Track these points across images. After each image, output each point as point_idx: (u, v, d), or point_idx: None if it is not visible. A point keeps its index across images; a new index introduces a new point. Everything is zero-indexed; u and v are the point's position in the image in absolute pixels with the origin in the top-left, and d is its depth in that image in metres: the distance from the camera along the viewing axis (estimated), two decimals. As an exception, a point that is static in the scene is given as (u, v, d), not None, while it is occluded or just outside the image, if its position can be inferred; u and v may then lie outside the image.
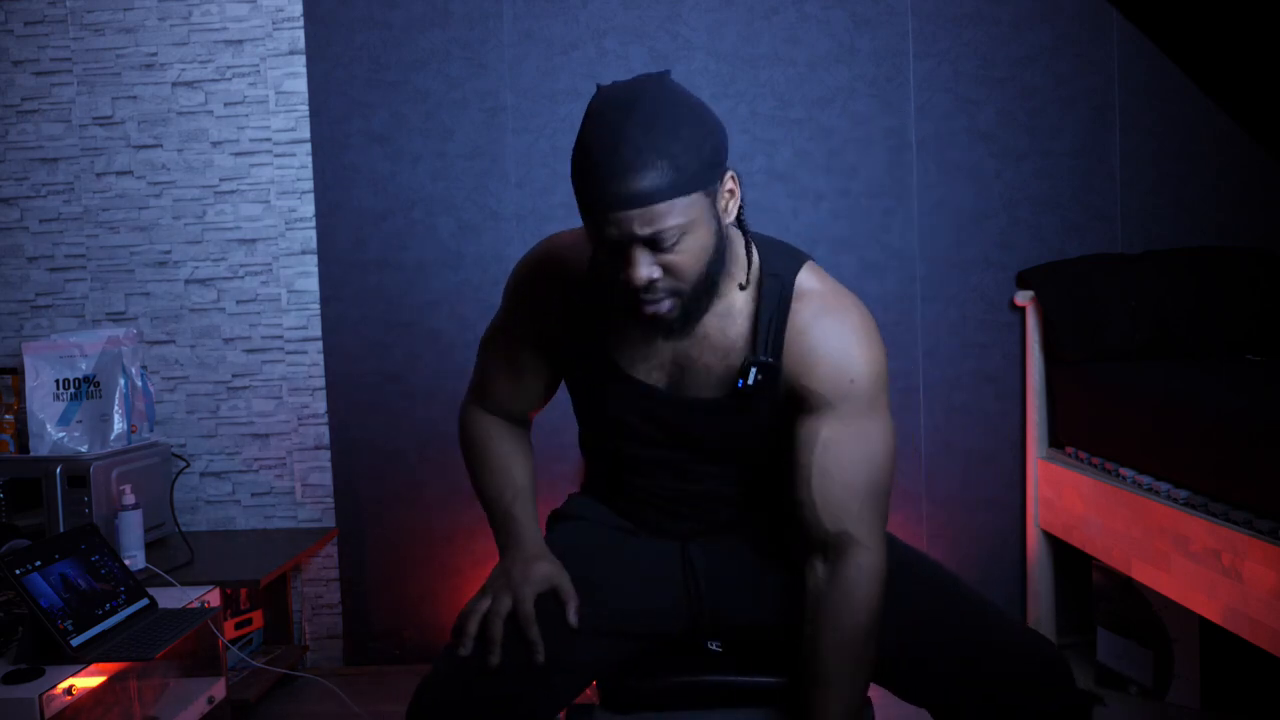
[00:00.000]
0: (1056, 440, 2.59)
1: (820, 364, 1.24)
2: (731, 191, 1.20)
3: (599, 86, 1.18)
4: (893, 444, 1.28)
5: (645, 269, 1.14)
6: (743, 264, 1.26)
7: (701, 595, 1.39)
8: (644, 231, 1.11)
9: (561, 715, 1.32)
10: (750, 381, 1.25)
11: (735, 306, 1.27)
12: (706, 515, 1.41)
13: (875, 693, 1.36)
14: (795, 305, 1.26)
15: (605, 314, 1.29)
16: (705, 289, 1.19)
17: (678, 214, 1.12)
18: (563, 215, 2.64)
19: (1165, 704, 2.28)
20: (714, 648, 1.35)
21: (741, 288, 1.26)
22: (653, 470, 1.38)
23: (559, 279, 1.33)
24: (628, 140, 1.10)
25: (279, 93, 2.69)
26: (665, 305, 1.17)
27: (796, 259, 1.29)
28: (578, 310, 1.32)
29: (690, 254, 1.15)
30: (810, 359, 1.25)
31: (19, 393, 2.58)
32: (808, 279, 1.27)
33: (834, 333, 1.25)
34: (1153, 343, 2.48)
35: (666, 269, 1.15)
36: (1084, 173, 2.65)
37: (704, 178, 1.13)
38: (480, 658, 1.24)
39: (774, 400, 1.28)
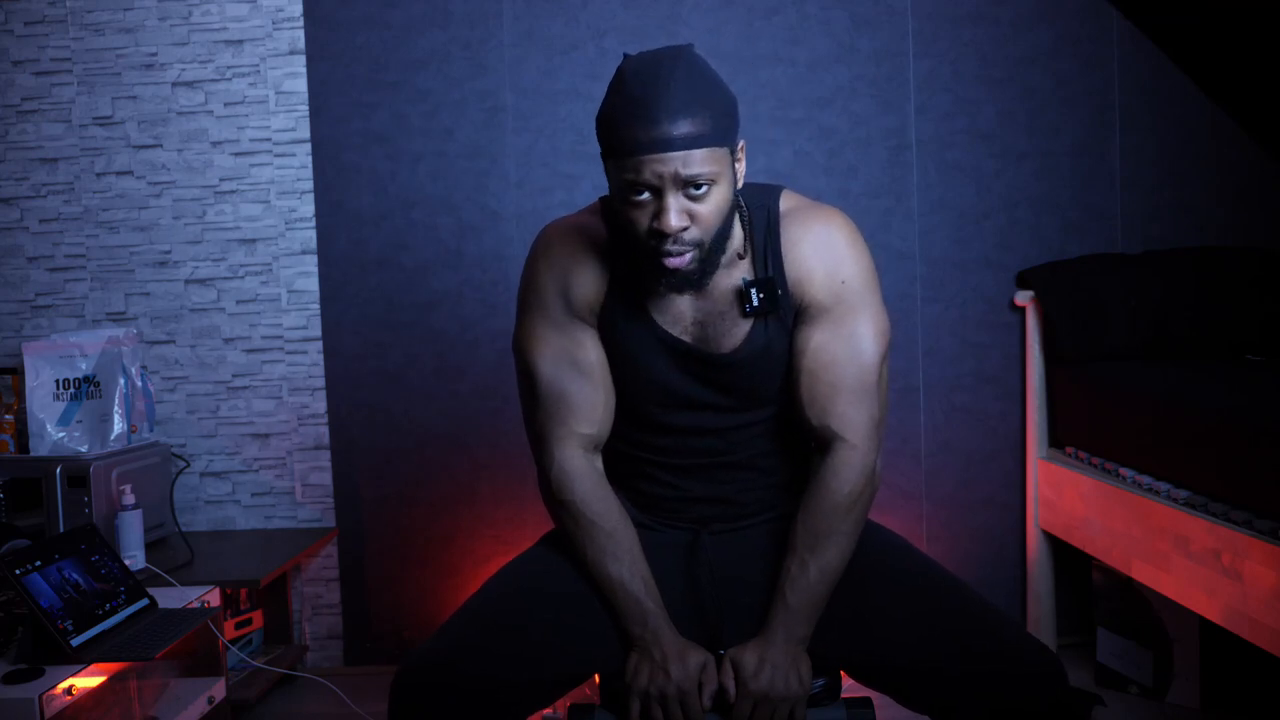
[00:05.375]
0: (1056, 440, 2.59)
1: (816, 270, 1.34)
2: (740, 159, 1.28)
3: (626, 55, 1.26)
4: (883, 341, 1.36)
5: (676, 216, 1.21)
6: (740, 232, 1.35)
7: (709, 594, 1.39)
8: (686, 172, 1.19)
9: (563, 715, 1.33)
10: (755, 304, 1.32)
11: (736, 261, 1.35)
12: (736, 488, 1.42)
13: (876, 694, 1.36)
14: (783, 225, 1.36)
15: (639, 274, 1.34)
16: (718, 244, 1.27)
17: (712, 162, 1.20)
18: (563, 215, 2.64)
19: (1165, 704, 2.28)
20: (723, 653, 1.35)
21: (740, 257, 1.35)
22: (687, 436, 1.40)
23: (581, 242, 1.39)
24: (673, 89, 1.19)
25: (279, 93, 2.69)
26: (687, 257, 1.24)
27: (773, 189, 1.39)
28: (615, 268, 1.36)
29: (714, 205, 1.23)
30: (807, 267, 1.34)
31: (19, 393, 2.58)
32: (788, 200, 1.38)
33: (822, 238, 1.35)
34: (1153, 343, 2.48)
35: (693, 218, 1.22)
36: (1084, 173, 2.65)
37: (730, 135, 1.23)
38: (471, 640, 1.26)
39: (787, 325, 1.35)
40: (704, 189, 1.21)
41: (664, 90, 1.18)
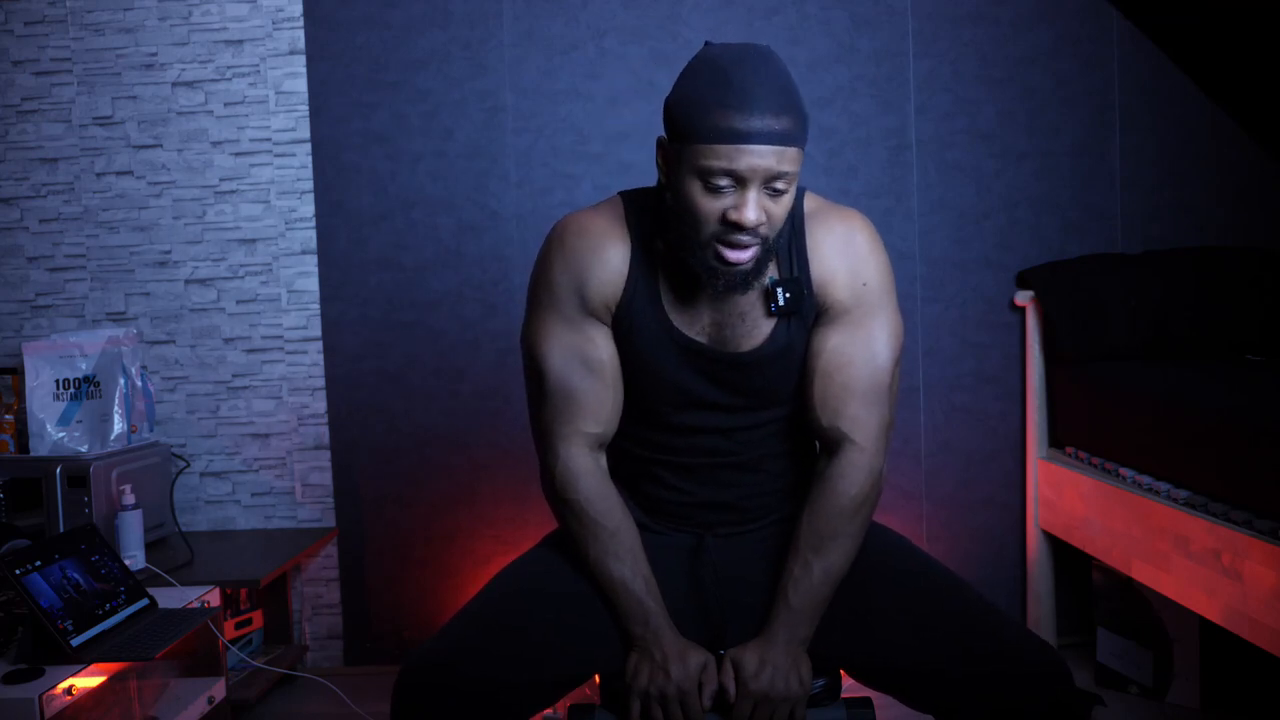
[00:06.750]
0: (1056, 440, 2.59)
1: (839, 272, 1.34)
2: None
3: (708, 43, 1.26)
4: (897, 345, 1.37)
5: (755, 210, 1.20)
6: None
7: (713, 595, 1.39)
8: (778, 168, 1.19)
9: (563, 715, 1.33)
10: (782, 303, 1.32)
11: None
12: (741, 492, 1.42)
13: (876, 695, 1.36)
14: (808, 226, 1.35)
15: (660, 271, 1.34)
16: (773, 248, 1.27)
17: (797, 163, 1.21)
18: (562, 215, 2.64)
19: (1165, 704, 2.28)
20: (724, 653, 1.35)
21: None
22: (696, 435, 1.39)
23: (600, 238, 1.35)
24: (776, 84, 1.19)
25: (279, 93, 2.68)
26: (750, 253, 1.23)
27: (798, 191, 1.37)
28: (634, 265, 1.34)
29: (784, 207, 1.23)
30: (830, 268, 1.34)
31: (19, 393, 2.58)
32: (810, 201, 1.37)
33: (845, 241, 1.34)
34: (1153, 343, 2.48)
35: (766, 215, 1.22)
36: (1084, 173, 2.65)
37: (806, 141, 1.23)
38: (473, 641, 1.26)
39: (808, 325, 1.35)
40: (785, 189, 1.21)
41: (767, 84, 1.18)
